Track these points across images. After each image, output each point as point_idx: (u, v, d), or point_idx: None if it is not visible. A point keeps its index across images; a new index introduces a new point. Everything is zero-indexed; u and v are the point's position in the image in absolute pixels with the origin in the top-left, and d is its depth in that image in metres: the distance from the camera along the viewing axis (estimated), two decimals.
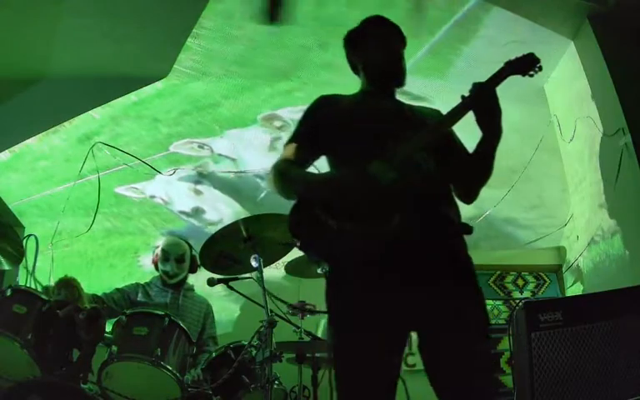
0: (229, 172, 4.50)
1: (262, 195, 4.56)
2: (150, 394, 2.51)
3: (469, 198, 1.90)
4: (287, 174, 1.82)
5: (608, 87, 3.18)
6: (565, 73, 3.77)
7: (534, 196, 4.48)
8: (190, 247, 3.51)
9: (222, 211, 4.65)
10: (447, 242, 1.72)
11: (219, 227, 4.13)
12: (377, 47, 1.97)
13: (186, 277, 3.49)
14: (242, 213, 4.46)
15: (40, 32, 3.38)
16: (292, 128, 4.21)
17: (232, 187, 4.62)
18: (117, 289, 3.40)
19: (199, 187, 4.64)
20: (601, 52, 3.23)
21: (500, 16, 3.53)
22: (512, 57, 1.81)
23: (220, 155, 4.46)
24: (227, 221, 4.30)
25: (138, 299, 3.32)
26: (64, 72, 3.68)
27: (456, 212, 1.82)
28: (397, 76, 1.96)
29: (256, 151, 4.41)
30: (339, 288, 1.72)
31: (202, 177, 4.59)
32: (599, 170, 3.47)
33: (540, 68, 1.82)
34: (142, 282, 3.49)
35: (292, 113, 4.15)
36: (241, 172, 4.47)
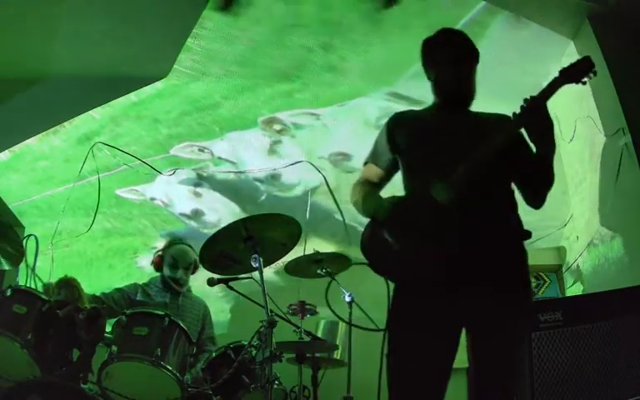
0: (229, 171, 4.49)
1: (262, 198, 4.57)
2: (150, 394, 2.50)
3: (536, 202, 1.98)
4: (363, 196, 1.96)
5: (608, 87, 3.18)
6: None
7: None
8: (192, 249, 3.51)
9: (222, 213, 4.65)
10: (504, 250, 1.84)
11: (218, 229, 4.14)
12: (446, 65, 1.97)
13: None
14: (242, 215, 4.43)
15: (40, 32, 3.38)
16: (292, 132, 4.27)
17: (232, 190, 4.62)
18: (117, 289, 3.40)
19: (199, 189, 4.64)
20: (601, 52, 3.23)
21: (505, 20, 3.55)
22: (566, 65, 1.87)
23: (220, 158, 4.47)
24: (226, 223, 4.40)
25: (138, 299, 3.32)
26: (64, 72, 3.68)
27: (516, 218, 1.92)
28: (465, 96, 1.98)
29: (256, 153, 4.42)
30: (403, 304, 1.84)
31: (201, 179, 4.59)
32: (599, 170, 3.47)
33: (595, 73, 1.90)
34: (140, 283, 3.49)
35: (293, 116, 4.16)
36: (240, 171, 4.46)
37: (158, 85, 3.97)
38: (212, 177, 4.60)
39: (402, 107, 3.50)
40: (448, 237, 1.72)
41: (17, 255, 2.92)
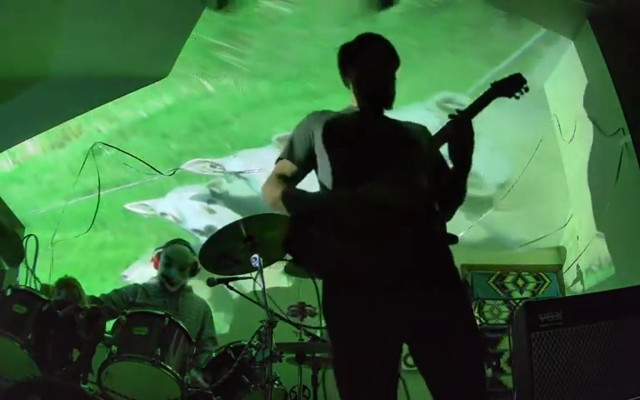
0: (243, 186, 4.45)
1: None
2: (150, 394, 2.51)
3: (446, 215, 1.93)
4: (283, 191, 1.87)
5: (608, 87, 3.17)
6: (565, 73, 3.77)
7: (534, 196, 4.48)
8: (192, 252, 3.51)
9: None
10: (434, 255, 1.76)
11: None
12: (368, 67, 1.99)
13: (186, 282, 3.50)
14: None
15: (40, 32, 3.38)
16: None
17: (246, 207, 4.56)
18: (115, 290, 3.40)
19: (212, 206, 4.65)
20: (601, 52, 3.23)
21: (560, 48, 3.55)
22: (499, 79, 1.86)
23: (232, 174, 4.47)
24: None
25: (137, 300, 3.32)
26: (64, 72, 3.67)
27: (442, 223, 1.86)
28: (385, 100, 1.99)
29: (268, 171, 4.40)
30: (331, 301, 1.78)
31: (215, 195, 4.60)
32: (599, 170, 3.47)
33: (526, 89, 1.88)
34: (141, 283, 3.49)
35: None
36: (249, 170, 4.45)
37: (168, 100, 3.95)
38: (226, 194, 4.60)
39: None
40: (385, 240, 1.67)
41: (17, 255, 2.93)
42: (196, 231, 4.77)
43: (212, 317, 3.53)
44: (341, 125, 1.94)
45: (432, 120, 3.82)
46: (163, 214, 4.72)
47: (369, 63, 1.99)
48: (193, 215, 4.72)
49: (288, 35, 3.57)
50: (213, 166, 4.38)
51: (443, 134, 1.85)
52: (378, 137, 1.89)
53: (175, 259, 3.40)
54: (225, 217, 4.62)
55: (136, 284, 3.48)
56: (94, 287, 4.06)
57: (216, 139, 4.23)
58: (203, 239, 4.64)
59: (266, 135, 4.21)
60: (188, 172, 4.39)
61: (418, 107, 3.88)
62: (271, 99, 3.98)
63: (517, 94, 1.89)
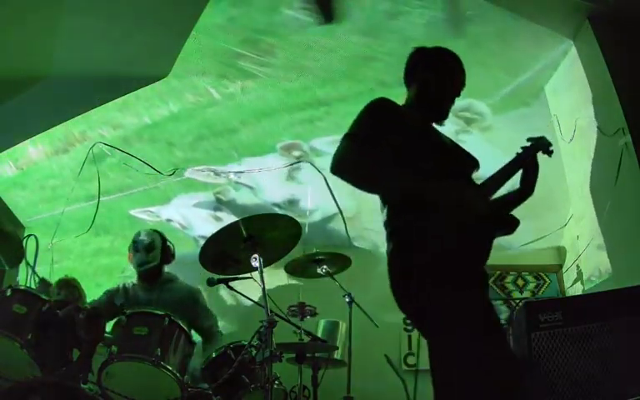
0: (248, 194, 4.45)
1: None
2: (150, 394, 2.51)
3: None
4: (379, 171, 1.84)
5: (608, 87, 3.18)
6: (565, 73, 3.77)
7: (534, 196, 4.47)
8: (162, 237, 3.44)
9: None
10: None
11: None
12: (450, 81, 2.07)
13: (160, 269, 3.41)
14: None
15: (40, 32, 3.38)
16: (310, 158, 4.25)
17: (251, 215, 4.61)
18: (104, 293, 3.39)
19: (218, 213, 4.64)
20: (601, 52, 3.23)
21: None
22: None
23: (237, 182, 4.47)
24: None
25: (118, 300, 3.26)
26: (64, 72, 3.68)
27: None
28: (441, 119, 2.09)
29: (274, 179, 4.42)
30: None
31: (221, 203, 4.60)
32: (599, 170, 3.47)
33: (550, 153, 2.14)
34: (123, 283, 3.44)
35: (315, 144, 4.15)
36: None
37: (174, 108, 3.95)
38: (232, 202, 4.60)
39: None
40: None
41: (17, 255, 2.93)
42: (202, 237, 4.71)
43: (204, 301, 3.42)
44: (411, 123, 1.99)
45: (448, 127, 3.88)
46: (169, 221, 4.73)
47: (453, 79, 2.08)
48: (199, 222, 4.72)
49: (310, 44, 3.59)
50: (217, 174, 4.40)
51: (515, 163, 2.09)
52: (450, 147, 2.05)
53: (140, 241, 3.37)
54: None
55: (118, 285, 3.44)
56: (89, 292, 4.11)
57: (221, 147, 4.25)
58: None
59: (271, 142, 4.22)
60: (193, 180, 4.39)
61: None
62: (277, 107, 3.99)
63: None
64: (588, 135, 3.51)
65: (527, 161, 2.09)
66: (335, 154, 1.83)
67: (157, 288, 3.36)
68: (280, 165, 4.30)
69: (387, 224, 1.89)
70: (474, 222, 1.80)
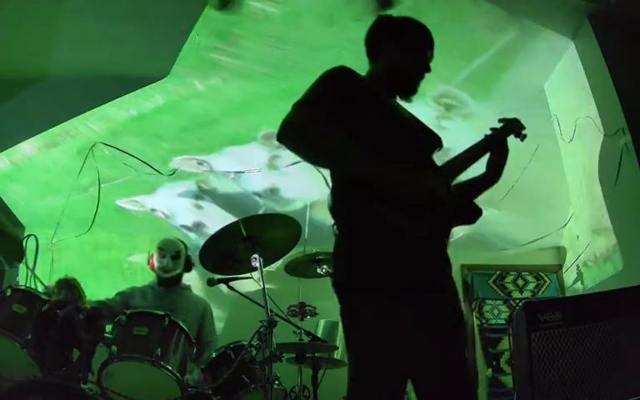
0: (230, 172, 4.51)
1: (261, 211, 4.63)
2: (150, 394, 2.51)
3: None
4: (331, 143, 1.59)
5: (608, 87, 3.18)
6: (565, 73, 3.77)
7: (534, 196, 4.48)
8: (185, 247, 3.56)
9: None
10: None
11: None
12: (421, 56, 1.89)
13: (181, 276, 3.52)
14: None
15: (40, 32, 3.38)
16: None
17: (232, 203, 4.69)
18: (118, 293, 3.42)
19: (200, 202, 4.70)
20: (601, 52, 3.23)
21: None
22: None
23: (219, 172, 4.53)
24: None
25: (135, 302, 3.32)
26: (64, 72, 3.68)
27: None
28: (410, 94, 1.90)
29: (255, 167, 4.48)
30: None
31: (203, 192, 4.64)
32: (599, 170, 3.46)
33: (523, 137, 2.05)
34: (138, 286, 3.50)
35: None
36: (239, 171, 4.49)
37: (160, 100, 3.99)
38: (214, 191, 4.66)
39: None
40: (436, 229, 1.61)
41: (17, 255, 2.93)
42: (184, 227, 4.85)
43: (212, 316, 3.52)
44: (371, 94, 1.77)
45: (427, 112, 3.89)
46: (153, 210, 4.78)
47: (423, 53, 1.89)
48: (182, 211, 4.79)
49: (276, 35, 3.59)
50: (200, 163, 4.45)
51: (482, 145, 1.98)
52: (412, 124, 1.83)
53: (166, 248, 3.48)
54: (213, 213, 4.73)
55: (133, 287, 3.49)
56: (88, 286, 4.12)
57: (204, 138, 4.31)
58: (191, 235, 4.76)
59: (252, 132, 4.28)
60: (177, 170, 4.45)
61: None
62: (257, 97, 4.04)
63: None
64: (588, 135, 3.51)
65: (496, 143, 1.96)
66: (282, 121, 1.61)
67: (174, 294, 3.44)
68: (262, 154, 4.35)
69: (332, 208, 1.67)
70: (430, 210, 1.55)
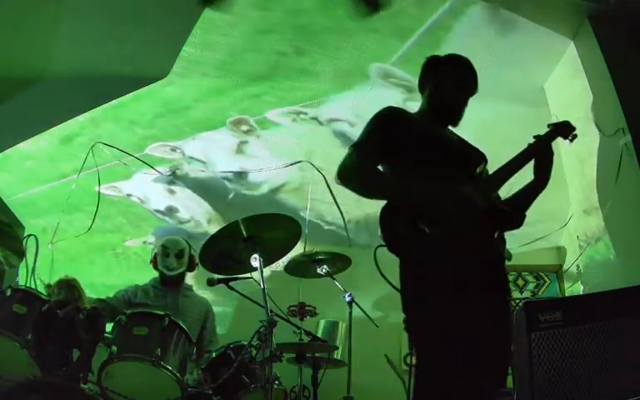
0: (200, 168, 4.60)
1: (231, 196, 4.68)
2: (150, 394, 2.51)
3: None
4: (380, 179, 1.97)
5: (608, 87, 3.18)
6: (565, 73, 3.77)
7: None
8: (189, 246, 3.54)
9: (194, 210, 4.79)
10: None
11: (190, 225, 4.40)
12: (459, 85, 2.13)
13: (184, 276, 3.50)
14: (212, 213, 4.71)
15: (40, 32, 3.38)
16: (258, 132, 4.36)
17: (203, 188, 4.75)
18: (120, 291, 3.42)
19: (173, 186, 4.76)
20: (601, 52, 3.23)
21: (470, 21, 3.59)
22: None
23: (191, 157, 4.60)
24: (198, 219, 4.64)
25: (137, 300, 3.33)
26: (64, 72, 3.68)
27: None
28: (457, 121, 2.14)
29: (224, 153, 4.56)
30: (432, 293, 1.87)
31: (175, 177, 4.70)
32: (599, 170, 3.47)
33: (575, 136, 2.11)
34: (141, 285, 3.50)
35: (269, 116, 4.30)
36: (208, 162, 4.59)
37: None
38: (185, 176, 4.72)
39: (366, 109, 3.54)
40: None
41: (17, 255, 2.92)
42: (157, 211, 4.89)
43: (214, 316, 3.52)
44: (419, 128, 2.05)
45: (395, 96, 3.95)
46: (129, 195, 4.83)
47: (462, 82, 2.13)
48: (156, 196, 4.83)
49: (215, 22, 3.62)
50: (174, 149, 4.52)
51: (527, 152, 2.05)
52: (453, 146, 2.08)
53: (170, 247, 3.46)
54: (184, 197, 4.80)
55: (136, 285, 3.49)
56: (82, 270, 4.21)
57: (177, 124, 4.39)
58: (165, 219, 4.84)
59: (222, 118, 4.35)
60: (151, 156, 4.52)
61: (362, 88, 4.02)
62: (226, 84, 4.12)
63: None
64: (588, 135, 3.51)
65: (540, 150, 2.05)
66: (340, 163, 1.92)
67: (176, 293, 3.42)
68: (230, 139, 4.47)
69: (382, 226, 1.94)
70: (472, 221, 1.82)
